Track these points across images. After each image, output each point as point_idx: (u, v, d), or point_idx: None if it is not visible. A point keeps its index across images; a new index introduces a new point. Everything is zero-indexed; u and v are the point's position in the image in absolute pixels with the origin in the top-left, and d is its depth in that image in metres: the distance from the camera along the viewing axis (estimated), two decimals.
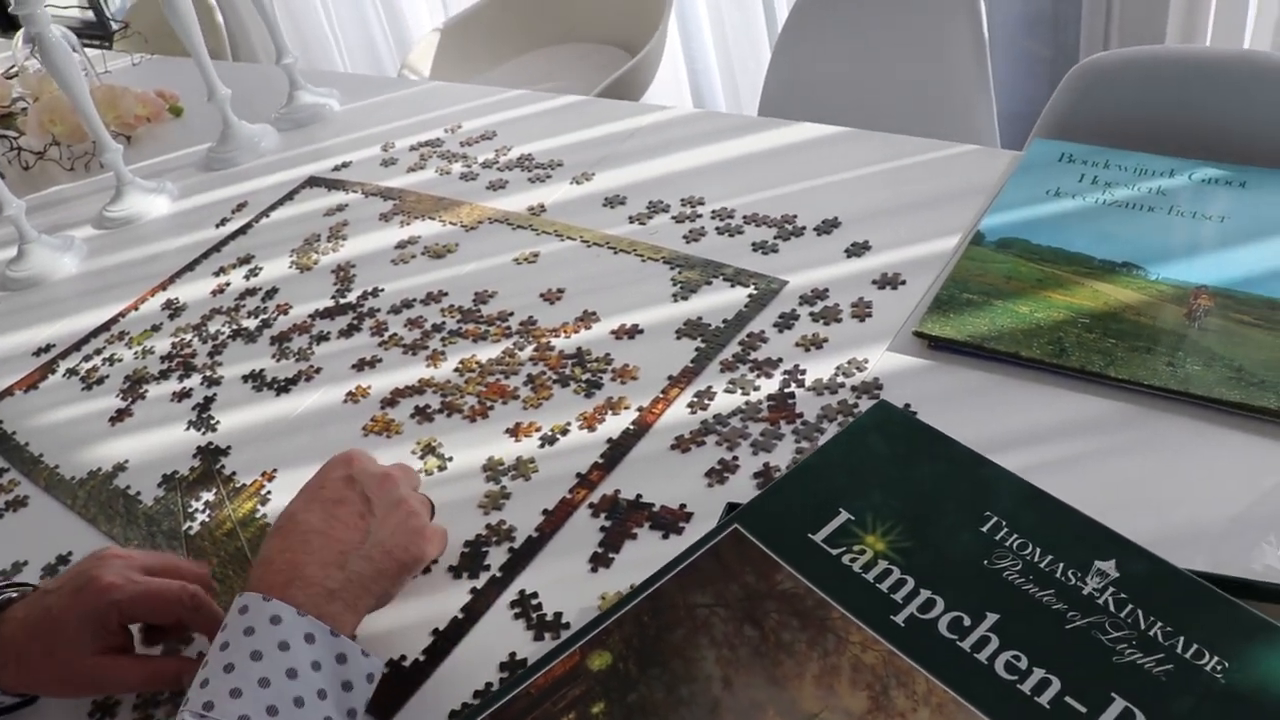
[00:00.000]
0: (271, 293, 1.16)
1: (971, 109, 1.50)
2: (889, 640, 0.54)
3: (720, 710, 0.53)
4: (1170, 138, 1.06)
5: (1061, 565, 0.55)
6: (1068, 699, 0.49)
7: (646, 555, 0.74)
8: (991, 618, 0.54)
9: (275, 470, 0.91)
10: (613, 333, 0.95)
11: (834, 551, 0.59)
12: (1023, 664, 0.51)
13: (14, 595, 0.75)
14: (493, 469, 0.85)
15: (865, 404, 0.81)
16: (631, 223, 1.10)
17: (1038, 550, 0.56)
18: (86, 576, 0.70)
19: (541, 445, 0.86)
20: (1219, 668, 0.49)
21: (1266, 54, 1.08)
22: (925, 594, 0.55)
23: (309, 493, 0.71)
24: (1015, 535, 0.57)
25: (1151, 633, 0.51)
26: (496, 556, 0.77)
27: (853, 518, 0.60)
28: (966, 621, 0.54)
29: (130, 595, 0.69)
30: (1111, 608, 0.53)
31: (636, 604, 0.59)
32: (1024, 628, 0.53)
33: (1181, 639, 0.51)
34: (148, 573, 0.72)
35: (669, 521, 0.76)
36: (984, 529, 0.58)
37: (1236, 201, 0.89)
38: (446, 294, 1.07)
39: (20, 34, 1.72)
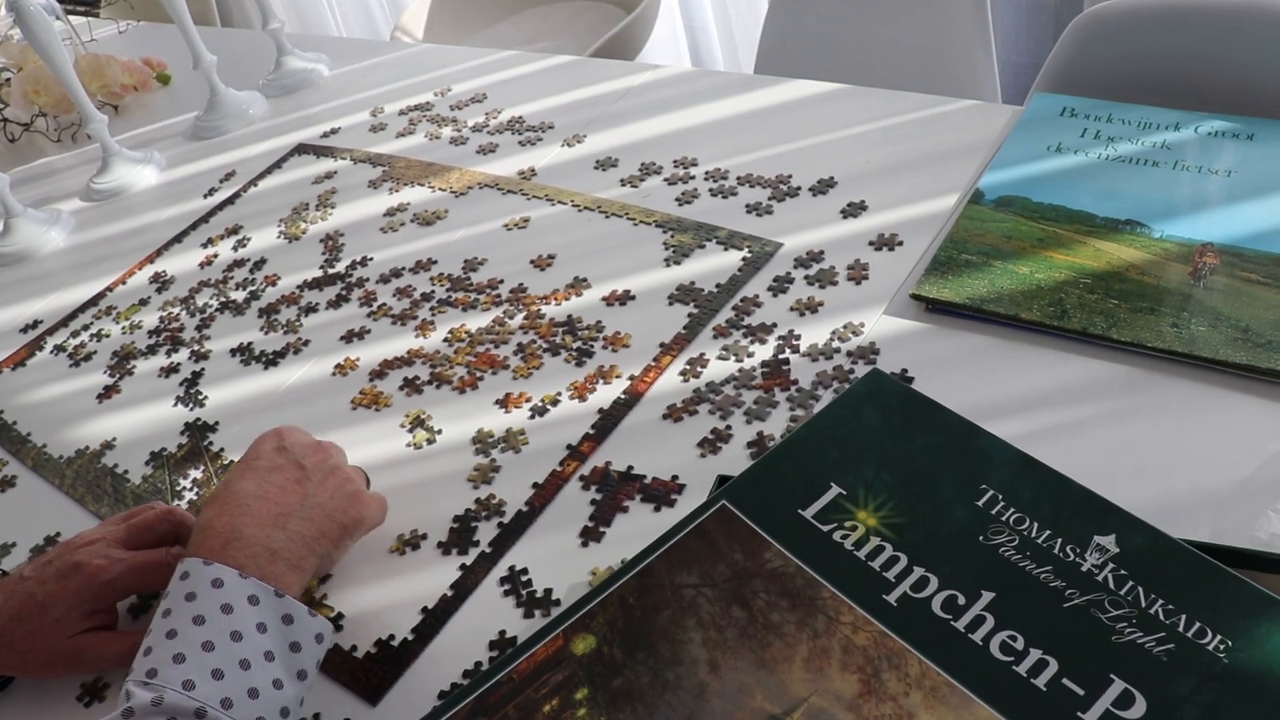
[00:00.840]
0: (260, 264, 1.14)
1: (972, 63, 1.47)
2: (881, 620, 0.52)
3: (707, 694, 0.51)
4: (1177, 90, 1.03)
5: (1059, 541, 0.53)
6: (1065, 680, 0.48)
7: (638, 529, 0.73)
8: (987, 596, 0.52)
9: None
10: (604, 299, 0.93)
11: (824, 528, 0.57)
12: (1019, 644, 0.50)
13: None
14: (482, 441, 0.83)
15: (861, 369, 0.79)
16: (623, 186, 1.07)
17: (1035, 525, 0.54)
18: (70, 563, 0.71)
19: (532, 416, 0.84)
20: (1222, 647, 0.47)
21: (1277, 2, 1.04)
22: (918, 572, 0.54)
23: (243, 464, 0.72)
24: (1012, 509, 0.55)
25: (1152, 611, 0.49)
26: (486, 532, 0.76)
27: (844, 492, 0.58)
28: (961, 600, 0.52)
29: (119, 574, 0.71)
30: (1111, 585, 0.51)
31: (621, 585, 0.57)
32: (1020, 606, 0.51)
33: (1183, 617, 0.49)
34: (124, 546, 0.73)
35: (661, 493, 0.74)
36: (979, 503, 0.56)
37: (1244, 155, 0.86)
38: (436, 262, 1.05)
39: (1, 3, 1.69)
